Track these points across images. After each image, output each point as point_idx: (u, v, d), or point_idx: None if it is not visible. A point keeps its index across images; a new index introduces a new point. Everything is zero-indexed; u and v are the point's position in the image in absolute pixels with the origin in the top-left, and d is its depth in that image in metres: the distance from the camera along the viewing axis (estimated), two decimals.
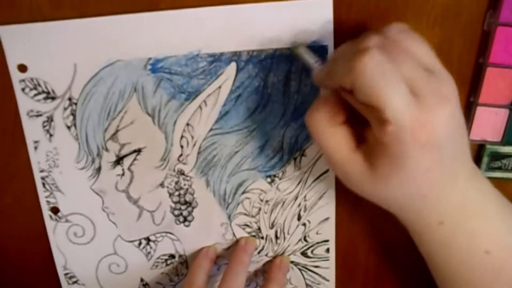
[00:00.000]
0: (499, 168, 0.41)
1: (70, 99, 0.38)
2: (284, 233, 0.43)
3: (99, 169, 0.41)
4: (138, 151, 0.40)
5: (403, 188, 0.30)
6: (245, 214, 0.43)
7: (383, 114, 0.27)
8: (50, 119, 0.39)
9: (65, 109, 0.39)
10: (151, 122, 0.39)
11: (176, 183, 0.41)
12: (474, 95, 0.38)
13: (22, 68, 0.38)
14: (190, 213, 0.42)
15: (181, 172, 0.41)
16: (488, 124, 0.39)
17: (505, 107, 0.38)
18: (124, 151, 0.40)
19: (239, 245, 0.43)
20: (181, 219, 0.43)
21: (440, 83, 0.29)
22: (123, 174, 0.41)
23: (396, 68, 0.27)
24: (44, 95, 0.39)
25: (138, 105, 0.39)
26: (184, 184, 0.41)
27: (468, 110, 0.39)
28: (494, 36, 0.36)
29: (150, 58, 0.37)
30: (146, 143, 0.40)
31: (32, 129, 0.40)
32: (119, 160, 0.40)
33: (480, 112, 0.39)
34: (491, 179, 0.41)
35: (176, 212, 0.42)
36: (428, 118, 0.27)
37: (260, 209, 0.42)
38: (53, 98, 0.39)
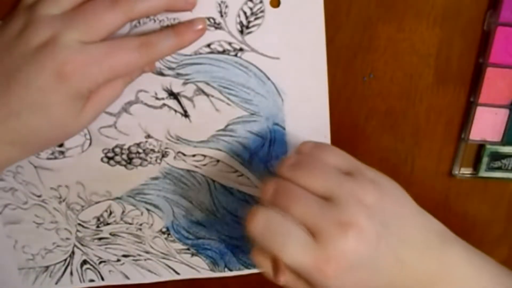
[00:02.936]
0: (499, 168, 0.41)
1: None
2: None
3: None
4: None
5: None
6: None
7: (283, 264, 0.29)
8: None
9: None
10: None
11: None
12: (474, 95, 0.38)
13: None
14: None
15: None
16: (488, 124, 0.39)
17: (505, 107, 0.38)
18: None
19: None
20: None
21: (341, 209, 0.29)
22: None
23: (289, 216, 0.29)
24: None
25: None
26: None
27: (468, 110, 0.39)
28: (494, 36, 0.36)
29: None
30: None
31: None
32: None
33: (480, 112, 0.39)
34: (491, 179, 0.41)
35: None
36: (329, 252, 0.28)
37: None
38: None
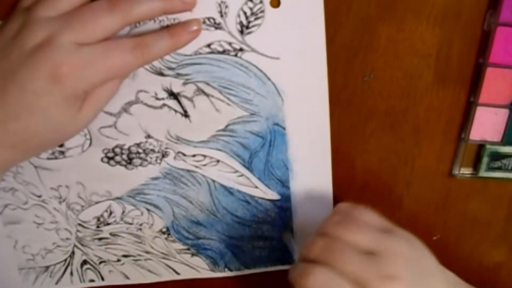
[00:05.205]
0: (499, 168, 0.41)
1: None
2: None
3: None
4: None
5: None
6: None
7: None
8: None
9: None
10: None
11: None
12: (474, 95, 0.38)
13: None
14: None
15: None
16: (488, 124, 0.39)
17: (505, 107, 0.38)
18: None
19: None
20: None
21: (384, 263, 0.31)
22: None
23: (338, 270, 0.31)
24: None
25: None
26: None
27: (468, 110, 0.39)
28: (494, 36, 0.36)
29: None
30: None
31: None
32: None
33: (480, 112, 0.39)
34: (491, 179, 0.41)
35: None
36: None
37: None
38: None
